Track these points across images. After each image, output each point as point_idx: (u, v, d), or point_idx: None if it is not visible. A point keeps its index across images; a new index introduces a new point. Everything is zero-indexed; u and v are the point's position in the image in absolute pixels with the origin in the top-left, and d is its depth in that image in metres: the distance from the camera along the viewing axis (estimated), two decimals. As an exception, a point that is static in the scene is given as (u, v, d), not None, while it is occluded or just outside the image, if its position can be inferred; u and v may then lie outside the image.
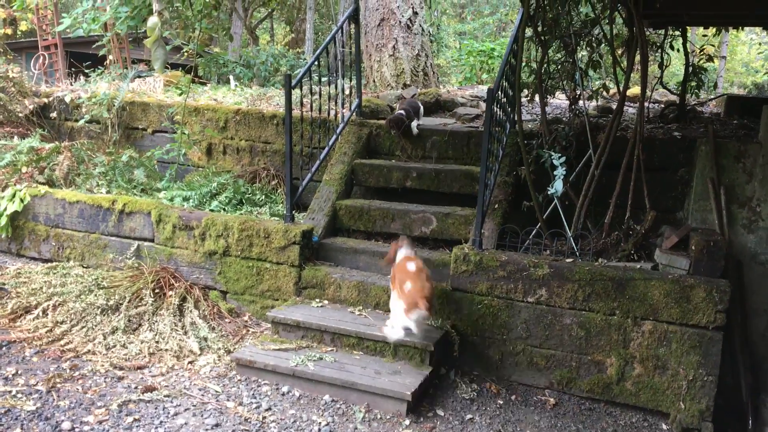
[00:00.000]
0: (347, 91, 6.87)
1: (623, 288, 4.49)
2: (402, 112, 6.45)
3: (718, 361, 4.37)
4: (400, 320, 4.51)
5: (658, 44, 6.69)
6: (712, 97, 8.82)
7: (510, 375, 4.84)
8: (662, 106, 7.79)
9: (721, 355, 4.38)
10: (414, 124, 6.47)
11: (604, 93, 6.57)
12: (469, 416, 4.41)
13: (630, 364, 4.54)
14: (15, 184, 6.57)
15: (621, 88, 5.54)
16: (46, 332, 4.94)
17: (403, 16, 9.20)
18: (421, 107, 6.90)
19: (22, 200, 6.39)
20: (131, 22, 6.50)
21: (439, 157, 6.43)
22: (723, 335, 4.36)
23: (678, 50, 7.03)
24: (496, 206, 5.57)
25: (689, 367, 4.40)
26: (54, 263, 6.19)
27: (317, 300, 5.31)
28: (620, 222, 5.33)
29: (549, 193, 5.38)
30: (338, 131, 6.55)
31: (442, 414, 4.41)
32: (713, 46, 8.15)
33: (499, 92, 5.38)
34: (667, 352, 4.44)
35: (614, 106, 5.80)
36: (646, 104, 5.92)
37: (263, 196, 6.74)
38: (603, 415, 4.61)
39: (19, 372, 4.42)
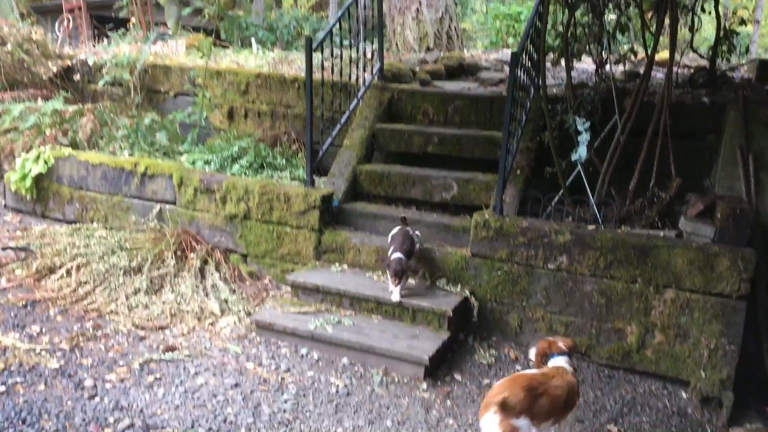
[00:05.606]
0: (369, 55, 6.78)
1: (646, 256, 4.42)
2: (400, 255, 4.69)
3: (740, 331, 4.31)
4: None
5: (689, 7, 6.47)
6: (744, 62, 8.57)
7: (529, 341, 4.81)
8: (692, 71, 7.57)
9: (744, 325, 4.33)
10: (398, 288, 4.73)
11: (632, 57, 6.39)
12: (486, 381, 4.42)
13: (651, 332, 4.50)
14: (39, 146, 6.61)
15: (649, 53, 5.39)
16: (69, 292, 5.02)
17: (427, -22, 9.04)
18: (418, 243, 4.98)
19: (46, 162, 6.44)
20: (153, -15, 6.45)
21: (461, 122, 6.33)
22: (746, 304, 4.30)
23: (710, 13, 6.81)
24: (518, 172, 5.50)
25: (711, 335, 4.35)
26: (78, 225, 6.26)
27: (337, 264, 5.31)
28: (645, 189, 5.24)
29: (573, 159, 5.29)
30: (359, 95, 6.48)
31: (460, 378, 4.42)
32: (747, 9, 7.89)
33: (524, 55, 5.26)
34: (688, 321, 4.39)
35: (642, 71, 5.65)
36: (675, 69, 5.76)
37: (284, 161, 6.73)
38: (622, 382, 4.58)
39: (44, 330, 4.50)
